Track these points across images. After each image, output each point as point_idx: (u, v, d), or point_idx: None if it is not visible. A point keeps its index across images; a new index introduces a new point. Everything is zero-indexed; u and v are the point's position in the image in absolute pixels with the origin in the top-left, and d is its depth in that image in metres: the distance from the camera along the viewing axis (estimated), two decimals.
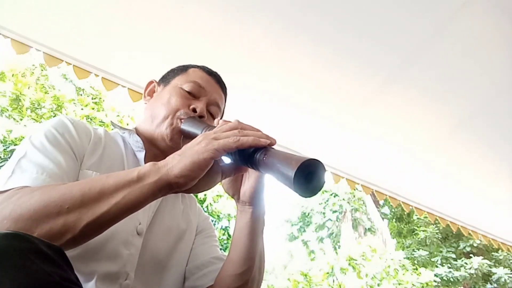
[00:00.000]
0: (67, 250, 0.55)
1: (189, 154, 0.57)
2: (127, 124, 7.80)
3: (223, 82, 0.97)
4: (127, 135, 0.88)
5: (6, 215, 0.52)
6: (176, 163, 0.57)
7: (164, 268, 0.80)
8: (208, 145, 0.57)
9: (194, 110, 0.86)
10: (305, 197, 0.54)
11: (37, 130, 0.73)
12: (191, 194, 0.99)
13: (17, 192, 0.56)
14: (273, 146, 0.60)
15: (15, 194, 0.56)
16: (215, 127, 0.68)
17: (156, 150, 0.86)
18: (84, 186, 0.55)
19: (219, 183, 0.69)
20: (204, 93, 0.90)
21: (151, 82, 0.98)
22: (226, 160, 0.66)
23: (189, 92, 0.89)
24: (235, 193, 0.75)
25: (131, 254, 0.73)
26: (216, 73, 0.96)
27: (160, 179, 0.56)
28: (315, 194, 0.54)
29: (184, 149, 0.59)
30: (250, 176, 0.73)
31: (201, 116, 0.86)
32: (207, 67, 0.96)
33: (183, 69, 0.95)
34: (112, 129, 0.94)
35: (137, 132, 0.89)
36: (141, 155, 0.84)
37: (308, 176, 0.52)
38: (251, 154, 0.59)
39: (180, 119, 0.84)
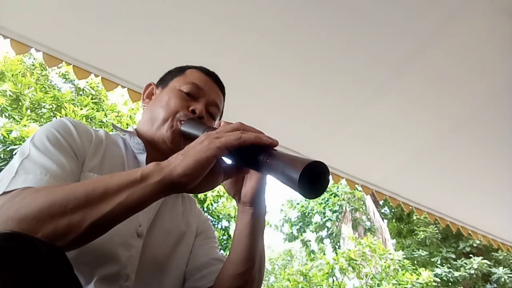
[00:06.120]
0: (71, 250, 0.55)
1: (192, 153, 0.57)
2: (127, 125, 7.80)
3: (221, 81, 0.96)
4: (128, 137, 0.88)
5: (10, 216, 0.52)
6: (179, 163, 0.56)
7: (164, 270, 0.80)
8: (211, 144, 0.57)
9: (193, 112, 0.85)
10: (309, 198, 0.54)
11: (38, 131, 0.72)
12: (191, 196, 0.99)
13: (21, 192, 0.56)
14: (275, 148, 0.60)
15: (19, 195, 0.55)
16: (215, 128, 0.68)
17: (157, 152, 0.85)
18: (88, 186, 0.55)
19: (221, 184, 0.69)
20: (203, 94, 0.89)
21: (149, 85, 0.98)
22: (229, 162, 0.66)
23: (187, 94, 0.88)
24: (236, 193, 0.74)
25: (131, 256, 0.73)
26: (213, 73, 0.95)
27: (163, 179, 0.56)
28: (319, 196, 0.55)
29: (187, 149, 0.59)
30: (251, 177, 0.73)
31: (200, 117, 0.85)
32: (204, 68, 0.95)
33: (180, 70, 0.95)
34: (112, 130, 0.93)
35: (138, 134, 0.88)
36: (142, 157, 0.84)
37: (312, 178, 0.53)
38: (254, 156, 0.59)
39: (180, 121, 0.84)
